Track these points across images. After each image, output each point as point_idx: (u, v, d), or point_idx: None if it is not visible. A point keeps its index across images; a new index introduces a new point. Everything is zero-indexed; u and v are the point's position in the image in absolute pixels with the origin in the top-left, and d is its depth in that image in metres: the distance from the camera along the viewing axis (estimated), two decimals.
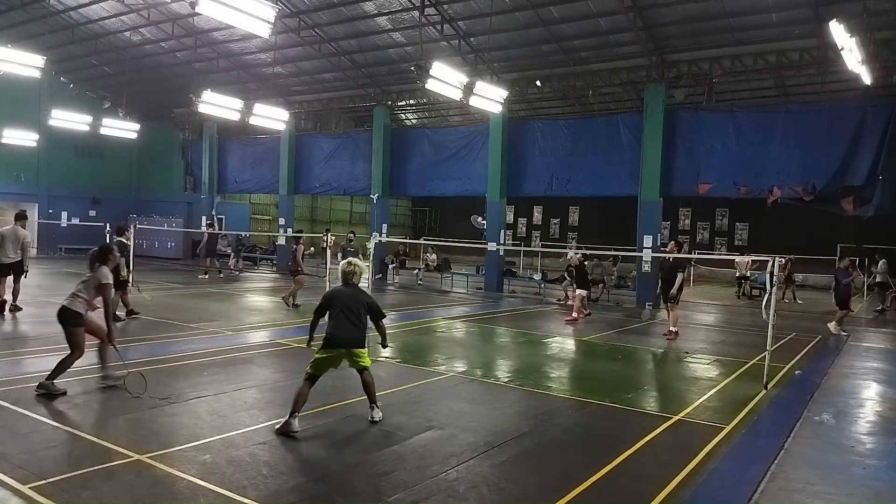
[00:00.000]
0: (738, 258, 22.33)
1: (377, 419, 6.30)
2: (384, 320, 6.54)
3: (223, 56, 22.99)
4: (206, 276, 21.06)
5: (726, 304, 19.92)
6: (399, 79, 22.00)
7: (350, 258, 6.66)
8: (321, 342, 6.20)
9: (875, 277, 19.49)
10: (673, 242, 13.67)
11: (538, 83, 19.89)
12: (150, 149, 29.54)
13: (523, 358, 10.48)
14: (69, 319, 6.83)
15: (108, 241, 16.85)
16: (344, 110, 27.38)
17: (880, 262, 19.14)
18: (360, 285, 6.59)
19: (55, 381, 6.75)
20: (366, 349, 6.37)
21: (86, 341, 6.99)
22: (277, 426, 5.92)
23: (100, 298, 7.02)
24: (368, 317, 6.37)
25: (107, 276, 7.03)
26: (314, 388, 6.22)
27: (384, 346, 6.75)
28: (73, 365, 6.93)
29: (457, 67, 15.48)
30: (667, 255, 12.92)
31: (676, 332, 12.38)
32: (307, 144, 26.05)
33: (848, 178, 15.92)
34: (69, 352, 6.88)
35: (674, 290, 12.25)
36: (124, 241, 12.38)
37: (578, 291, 14.98)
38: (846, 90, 17.80)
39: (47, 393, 6.64)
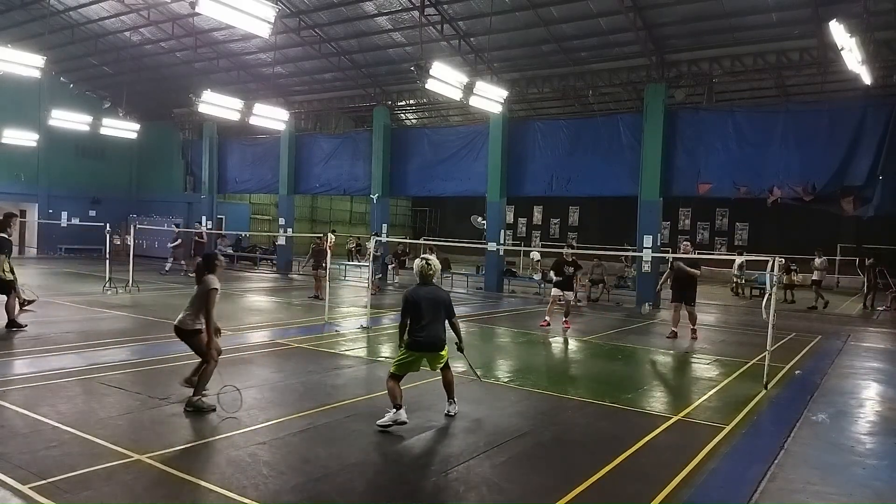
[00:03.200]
0: (737, 258, 22.36)
1: (453, 413, 6.55)
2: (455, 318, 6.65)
3: (223, 56, 22.99)
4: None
5: (726, 304, 19.91)
6: (399, 79, 22.00)
7: (426, 256, 6.73)
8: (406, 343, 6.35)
9: (813, 274, 19.45)
10: (687, 243, 13.65)
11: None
12: (150, 149, 29.56)
13: (523, 358, 10.48)
14: (185, 335, 6.53)
15: (107, 240, 16.89)
16: (344, 110, 27.38)
17: (819, 259, 19.10)
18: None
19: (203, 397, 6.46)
20: (447, 348, 6.53)
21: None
22: (381, 421, 6.06)
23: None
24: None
25: (213, 282, 6.47)
26: (312, 386, 6.24)
27: (460, 349, 6.82)
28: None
29: (457, 67, 15.48)
30: (681, 257, 12.82)
31: (676, 334, 12.46)
32: (307, 144, 26.05)
33: (848, 178, 15.91)
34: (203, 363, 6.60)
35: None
36: (6, 236, 10.51)
37: (567, 293, 13.25)
38: (846, 90, 17.79)
39: (195, 410, 6.32)
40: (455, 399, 6.67)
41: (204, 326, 6.46)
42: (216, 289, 6.45)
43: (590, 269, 18.28)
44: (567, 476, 5.15)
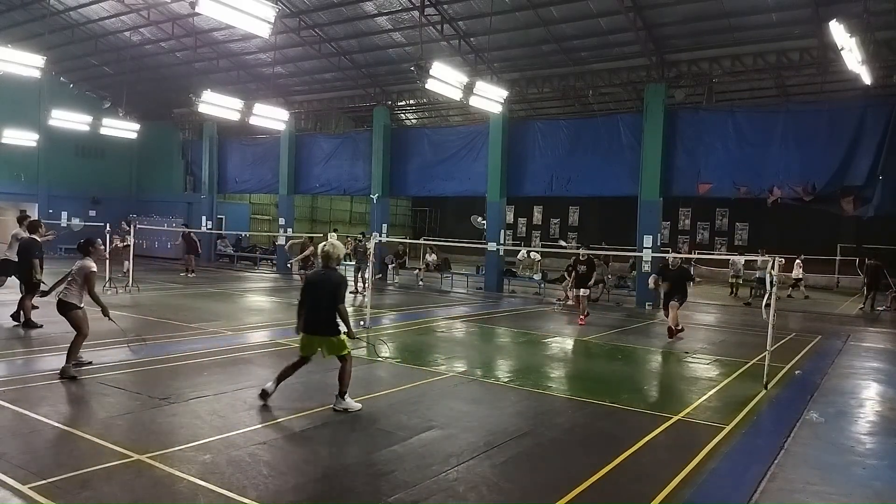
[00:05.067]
0: (734, 258, 22.28)
1: (339, 409, 6.49)
2: (342, 306, 6.52)
3: (223, 56, 22.98)
4: (193, 274, 21.10)
5: (726, 304, 19.91)
6: (399, 79, 22.00)
7: (332, 240, 6.82)
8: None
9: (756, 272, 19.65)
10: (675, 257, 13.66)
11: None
12: (150, 149, 29.54)
13: (523, 358, 10.48)
14: (65, 308, 7.54)
15: (107, 240, 16.84)
16: (344, 110, 27.38)
17: (760, 259, 19.16)
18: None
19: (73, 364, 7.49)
20: (341, 336, 6.51)
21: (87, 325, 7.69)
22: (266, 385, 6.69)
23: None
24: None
25: (91, 266, 7.61)
26: (313, 386, 6.18)
27: (349, 335, 6.57)
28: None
29: (457, 67, 15.48)
30: (673, 256, 12.82)
31: (681, 329, 12.42)
32: (307, 144, 26.05)
33: (848, 178, 15.91)
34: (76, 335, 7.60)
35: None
36: (37, 238, 10.87)
37: (581, 291, 14.46)
38: (846, 90, 17.79)
39: (70, 377, 7.30)
40: (344, 397, 6.52)
41: (79, 301, 7.55)
42: (94, 271, 7.60)
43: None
44: (567, 476, 5.15)
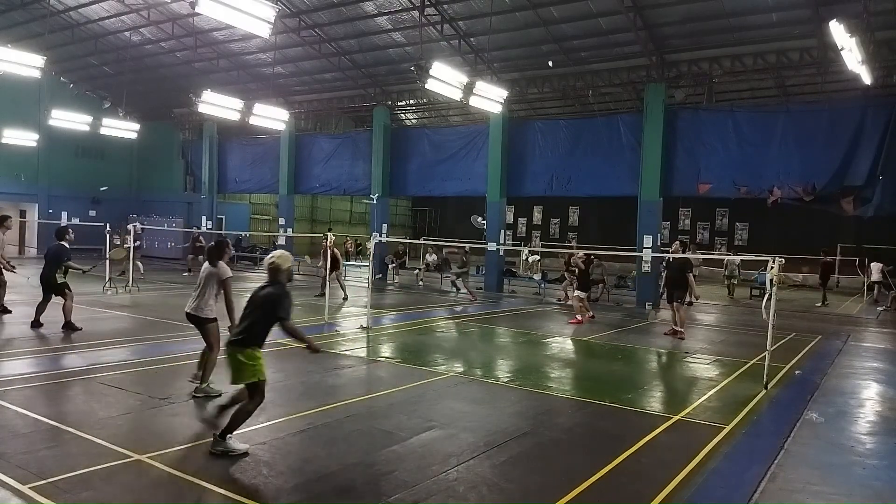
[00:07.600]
0: (729, 257, 22.08)
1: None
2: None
3: (223, 56, 22.98)
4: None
5: (726, 304, 19.91)
6: (399, 79, 22.00)
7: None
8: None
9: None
10: (677, 242, 13.67)
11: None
12: (150, 149, 29.55)
13: (523, 358, 10.48)
14: (199, 322, 7.00)
15: (107, 239, 16.86)
16: (344, 110, 27.38)
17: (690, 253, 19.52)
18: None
19: (209, 384, 6.93)
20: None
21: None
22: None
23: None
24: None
25: (226, 271, 6.90)
26: (313, 387, 6.14)
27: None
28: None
29: (457, 67, 15.47)
30: (670, 256, 12.88)
31: (683, 332, 12.41)
32: (307, 144, 26.06)
33: (848, 178, 15.91)
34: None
35: (695, 293, 12.42)
36: (65, 244, 10.93)
37: (577, 293, 14.65)
38: (846, 90, 17.79)
39: (205, 396, 6.80)
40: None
41: (214, 315, 6.95)
42: (230, 277, 6.94)
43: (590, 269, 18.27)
44: (567, 476, 5.15)
